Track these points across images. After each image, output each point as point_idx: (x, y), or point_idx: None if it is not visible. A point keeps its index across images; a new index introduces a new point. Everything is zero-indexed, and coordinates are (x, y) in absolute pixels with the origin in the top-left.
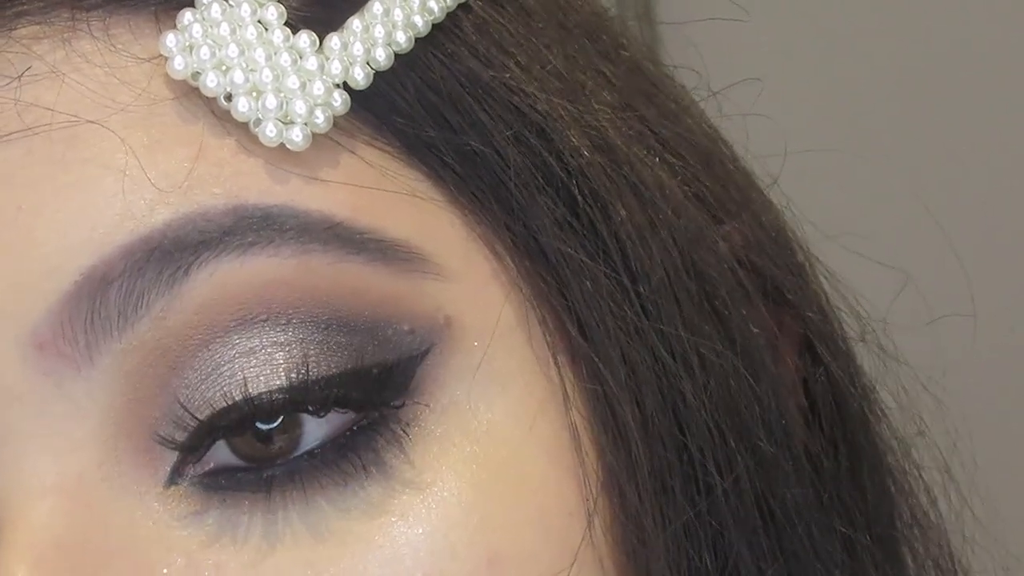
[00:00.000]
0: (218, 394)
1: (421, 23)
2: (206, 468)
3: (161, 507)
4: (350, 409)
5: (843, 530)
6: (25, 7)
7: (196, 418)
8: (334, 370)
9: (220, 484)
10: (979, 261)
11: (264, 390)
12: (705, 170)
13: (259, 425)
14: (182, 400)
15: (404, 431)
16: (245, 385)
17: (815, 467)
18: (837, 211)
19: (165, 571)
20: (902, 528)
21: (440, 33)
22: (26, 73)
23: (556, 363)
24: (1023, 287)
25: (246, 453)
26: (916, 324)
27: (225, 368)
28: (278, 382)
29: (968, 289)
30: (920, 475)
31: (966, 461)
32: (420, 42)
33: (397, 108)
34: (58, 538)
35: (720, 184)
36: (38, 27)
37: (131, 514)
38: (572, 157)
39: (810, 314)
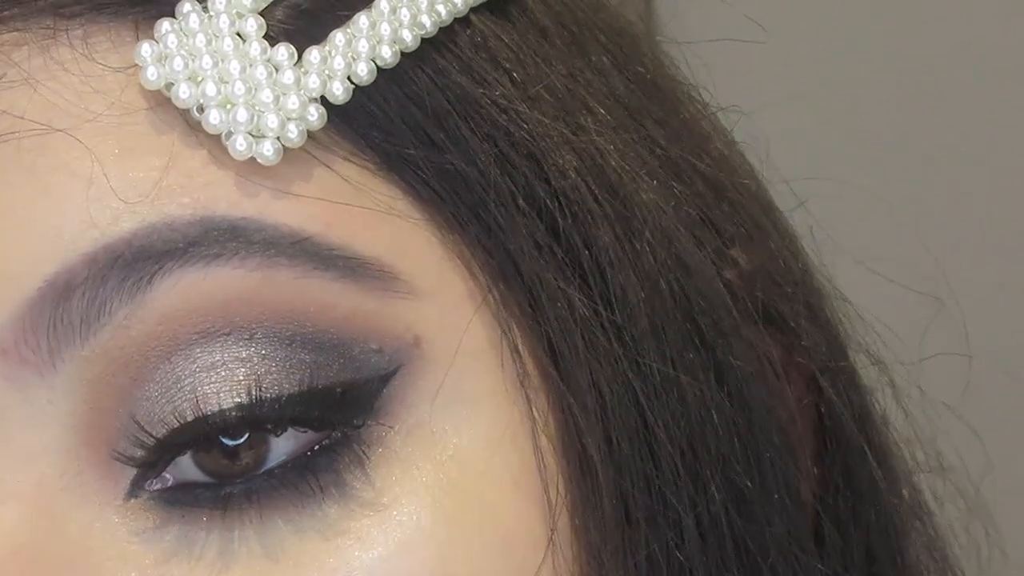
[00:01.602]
0: (173, 412)
1: (410, 38)
2: (166, 484)
3: (120, 520)
4: (310, 428)
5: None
6: (5, 13)
7: (152, 436)
8: (295, 388)
9: (179, 499)
10: None
11: (217, 408)
12: (714, 194)
13: (225, 441)
14: (138, 418)
15: (366, 452)
16: (197, 403)
17: (820, 504)
18: (863, 234)
19: None
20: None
21: (431, 47)
22: (1, 80)
23: (524, 389)
24: None
25: (210, 468)
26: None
27: (186, 382)
28: (236, 399)
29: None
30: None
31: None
32: (408, 57)
33: (378, 123)
34: (16, 545)
35: (730, 209)
36: (18, 34)
37: (90, 524)
38: (558, 179)
39: (821, 347)
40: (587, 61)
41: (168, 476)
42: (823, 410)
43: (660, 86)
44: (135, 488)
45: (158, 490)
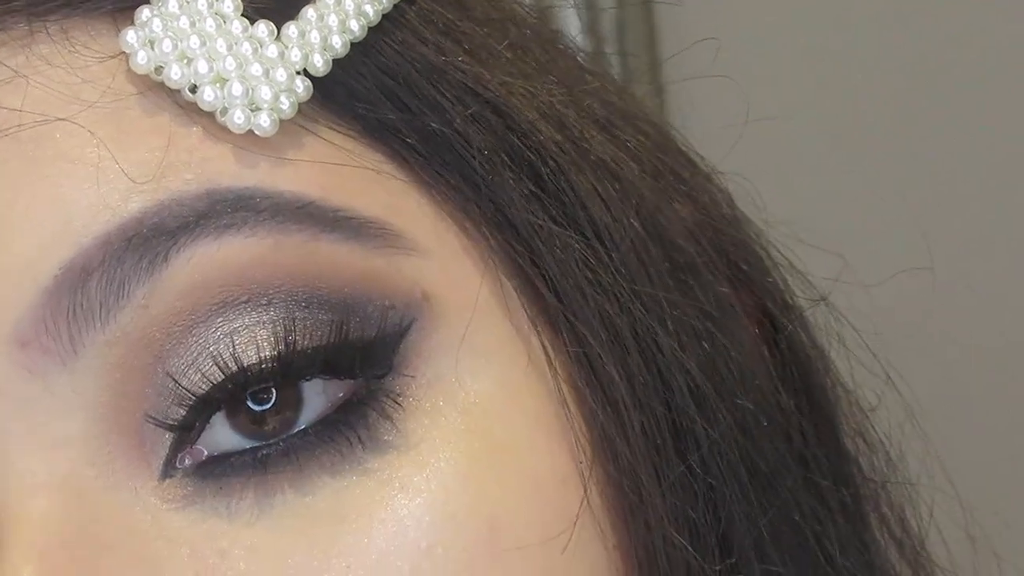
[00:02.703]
0: (212, 368)
1: (372, 12)
2: (200, 458)
3: (158, 500)
4: (337, 377)
5: (820, 482)
6: None
7: (192, 394)
8: (319, 342)
9: (214, 472)
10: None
11: (255, 360)
12: (656, 148)
13: (252, 406)
14: (177, 379)
15: (394, 404)
16: (236, 358)
17: (787, 425)
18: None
19: (169, 563)
20: (861, 484)
21: (389, 22)
22: None
23: (536, 331)
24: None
25: (245, 432)
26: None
27: (212, 348)
28: (267, 352)
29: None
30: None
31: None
32: (372, 31)
33: (356, 94)
34: (59, 533)
35: (670, 164)
36: None
37: (128, 509)
38: (533, 132)
39: (766, 284)
40: (516, 34)
41: (202, 449)
42: (782, 345)
43: (578, 60)
44: (168, 466)
45: (193, 466)
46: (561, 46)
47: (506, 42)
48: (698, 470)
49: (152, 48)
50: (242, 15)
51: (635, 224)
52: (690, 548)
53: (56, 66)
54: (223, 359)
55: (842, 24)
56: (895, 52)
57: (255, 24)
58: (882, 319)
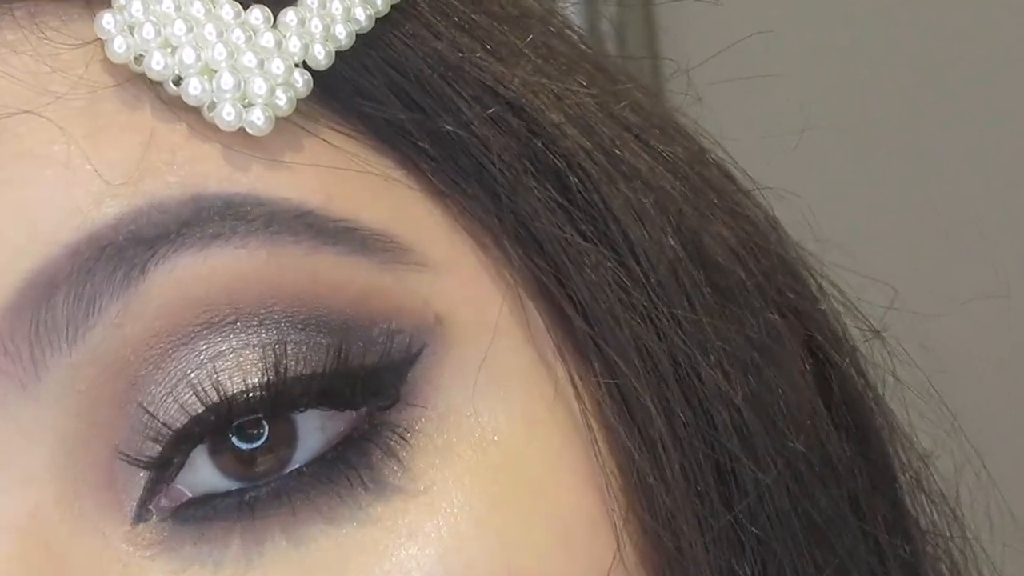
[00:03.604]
0: (191, 398)
1: (380, 0)
2: (179, 500)
3: (130, 547)
4: (336, 408)
5: (878, 536)
6: None
7: (169, 428)
8: (314, 369)
9: (195, 515)
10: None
11: (240, 389)
12: (693, 160)
13: (239, 443)
14: (151, 411)
15: (401, 440)
16: (218, 387)
17: (843, 472)
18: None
19: None
20: (920, 540)
21: (399, 13)
22: None
23: (563, 359)
24: None
25: (229, 473)
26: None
27: (193, 376)
28: (255, 380)
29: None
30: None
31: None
32: (380, 22)
33: (362, 91)
34: None
35: (708, 177)
36: None
37: (97, 556)
38: (558, 138)
39: (815, 313)
40: (543, 30)
41: (183, 490)
42: (832, 380)
43: (607, 64)
44: (143, 509)
45: (171, 509)
46: (588, 47)
47: (529, 39)
48: (745, 520)
49: (131, 34)
50: None
51: (673, 242)
52: None
53: (22, 53)
54: (203, 388)
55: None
56: (959, 60)
57: (249, 9)
58: (943, 354)
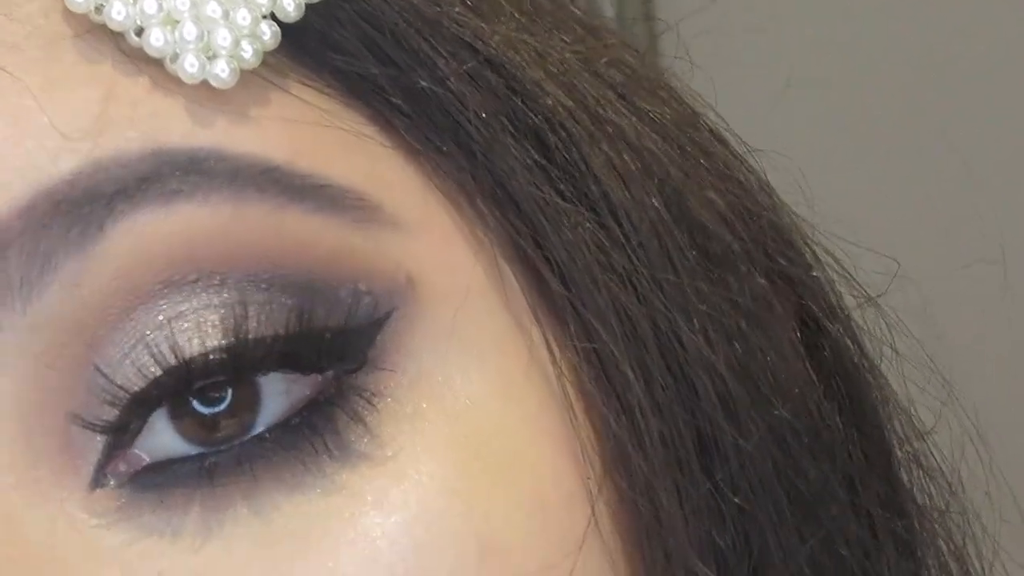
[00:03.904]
0: (148, 360)
1: None
2: (138, 466)
3: (87, 514)
4: (300, 371)
5: (870, 510)
6: None
7: (125, 391)
8: (276, 330)
9: (154, 482)
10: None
11: (199, 352)
12: (682, 121)
13: (200, 407)
14: (107, 373)
15: (368, 406)
16: (175, 350)
17: (832, 443)
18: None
19: None
20: (916, 514)
21: None
22: None
23: (539, 323)
24: None
25: (189, 437)
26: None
27: (151, 336)
28: (214, 342)
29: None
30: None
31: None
32: None
33: (333, 44)
34: None
35: (698, 139)
36: None
37: (52, 525)
38: (538, 96)
39: (807, 280)
40: None
41: (141, 455)
42: (824, 348)
43: (600, 29)
44: (100, 474)
45: (128, 474)
46: (577, 8)
47: None
48: (727, 490)
49: None
50: None
51: (657, 203)
52: None
53: None
54: (160, 349)
55: None
56: (966, 18)
57: None
58: (942, 323)
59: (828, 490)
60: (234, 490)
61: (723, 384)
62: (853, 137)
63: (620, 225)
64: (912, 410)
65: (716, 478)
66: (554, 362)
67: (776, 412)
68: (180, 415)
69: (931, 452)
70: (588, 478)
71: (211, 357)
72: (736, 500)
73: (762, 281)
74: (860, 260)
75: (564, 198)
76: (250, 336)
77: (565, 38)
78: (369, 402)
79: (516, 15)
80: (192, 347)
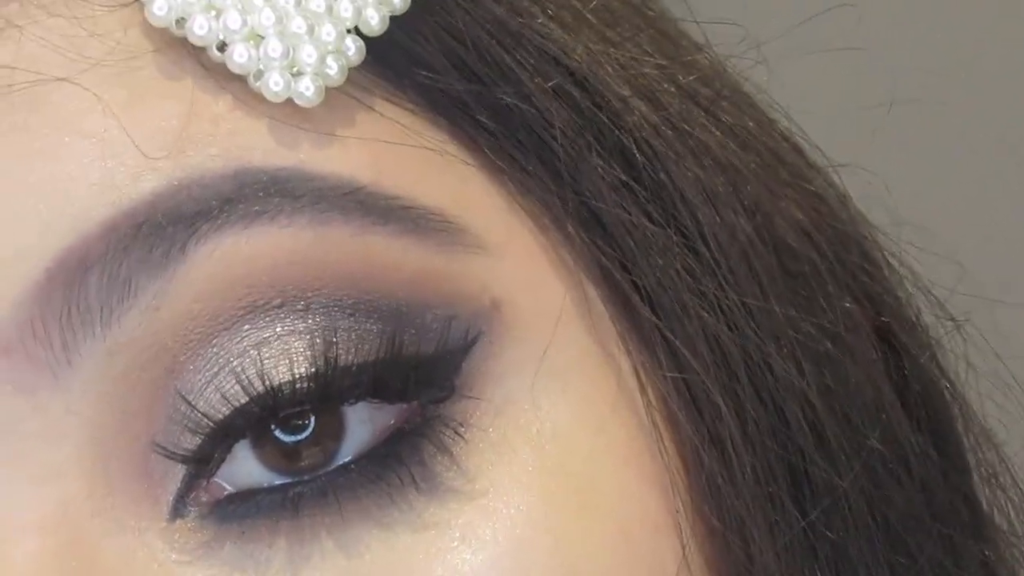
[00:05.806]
0: (235, 388)
1: None
2: (219, 496)
3: (166, 545)
4: (387, 400)
5: (958, 540)
6: None
7: (209, 419)
8: (365, 358)
9: (237, 513)
10: None
11: (287, 379)
12: (761, 135)
13: (282, 437)
14: (190, 399)
15: (455, 436)
16: (263, 376)
17: (921, 472)
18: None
19: None
20: (1003, 543)
21: None
22: None
23: (627, 351)
24: None
25: (272, 468)
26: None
27: (236, 363)
28: (302, 370)
29: None
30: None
31: None
32: None
33: (418, 59)
34: None
35: (780, 154)
36: None
37: (131, 555)
38: (624, 112)
39: (887, 297)
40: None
41: (223, 484)
42: (906, 371)
43: (675, 34)
44: (180, 504)
45: (209, 505)
46: (653, 12)
47: (592, 3)
48: (820, 525)
49: None
50: None
51: (745, 224)
52: None
53: (56, 15)
54: (247, 376)
55: None
56: None
57: None
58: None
59: (919, 522)
60: (319, 523)
61: (813, 413)
62: (935, 152)
63: (709, 248)
64: (990, 428)
65: (809, 514)
66: (642, 391)
67: (867, 441)
68: (262, 443)
69: (1011, 475)
70: (677, 511)
71: (299, 385)
72: (830, 535)
73: (849, 303)
74: (935, 275)
75: (652, 220)
76: (339, 363)
77: (646, 47)
78: (456, 432)
79: (596, 24)
80: (280, 374)
